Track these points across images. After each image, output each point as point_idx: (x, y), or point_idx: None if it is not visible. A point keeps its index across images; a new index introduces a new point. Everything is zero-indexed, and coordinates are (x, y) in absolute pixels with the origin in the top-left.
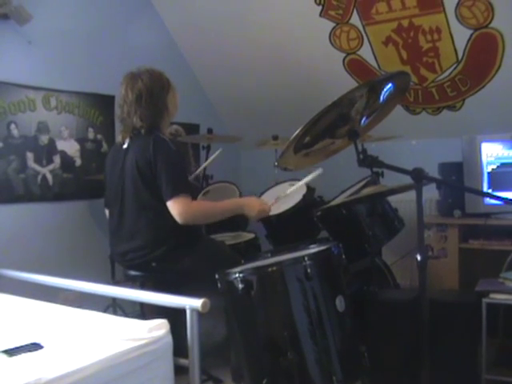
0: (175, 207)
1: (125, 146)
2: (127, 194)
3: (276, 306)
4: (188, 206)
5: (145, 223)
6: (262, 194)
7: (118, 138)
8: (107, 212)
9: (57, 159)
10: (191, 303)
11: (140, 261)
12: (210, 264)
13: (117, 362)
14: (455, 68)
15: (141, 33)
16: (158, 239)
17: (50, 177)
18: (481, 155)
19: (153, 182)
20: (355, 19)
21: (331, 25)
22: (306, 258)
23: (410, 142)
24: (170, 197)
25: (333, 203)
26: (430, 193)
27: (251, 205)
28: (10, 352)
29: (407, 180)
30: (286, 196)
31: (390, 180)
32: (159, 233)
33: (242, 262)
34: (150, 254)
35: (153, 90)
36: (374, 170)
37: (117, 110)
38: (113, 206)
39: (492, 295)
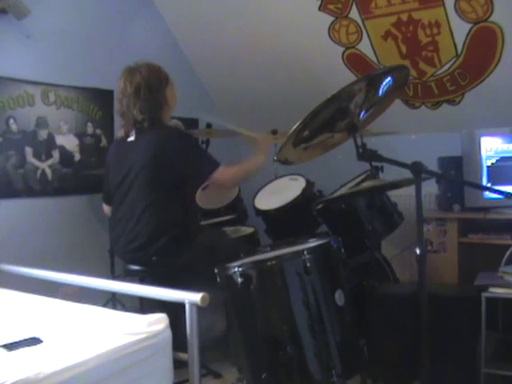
0: (221, 178)
1: (131, 138)
2: (132, 187)
3: (275, 300)
4: (228, 173)
5: (146, 217)
6: (262, 188)
7: (120, 133)
8: (105, 207)
9: (56, 154)
10: (190, 297)
11: (140, 254)
12: (209, 258)
13: (116, 356)
14: (454, 62)
15: (139, 27)
16: (158, 232)
17: (49, 172)
18: (480, 149)
19: (164, 174)
20: (354, 13)
21: (330, 19)
22: (305, 252)
23: (410, 136)
24: (212, 172)
25: (332, 196)
26: (430, 187)
27: (266, 151)
28: (10, 346)
29: (407, 174)
30: None
31: (389, 174)
32: (160, 226)
33: (242, 255)
34: (150, 247)
35: (151, 83)
36: (374, 164)
37: (116, 104)
38: (116, 199)
39: (491, 289)
